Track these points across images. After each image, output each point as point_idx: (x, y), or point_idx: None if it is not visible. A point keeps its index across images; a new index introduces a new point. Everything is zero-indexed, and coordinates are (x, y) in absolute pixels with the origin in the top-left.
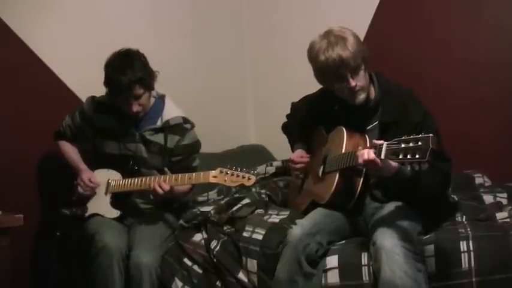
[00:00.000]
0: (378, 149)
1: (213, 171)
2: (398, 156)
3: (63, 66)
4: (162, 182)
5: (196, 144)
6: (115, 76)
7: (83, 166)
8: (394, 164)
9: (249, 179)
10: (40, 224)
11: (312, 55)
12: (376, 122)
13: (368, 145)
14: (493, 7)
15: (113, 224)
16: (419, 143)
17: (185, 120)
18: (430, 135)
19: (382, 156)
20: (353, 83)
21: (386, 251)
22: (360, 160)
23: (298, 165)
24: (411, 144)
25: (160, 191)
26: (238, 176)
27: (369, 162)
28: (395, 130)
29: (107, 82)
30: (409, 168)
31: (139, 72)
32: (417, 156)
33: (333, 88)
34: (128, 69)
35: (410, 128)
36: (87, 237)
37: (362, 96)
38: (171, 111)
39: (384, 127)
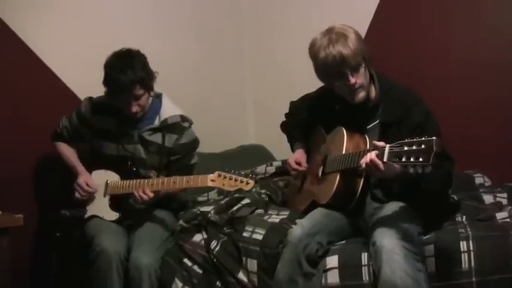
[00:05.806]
0: (380, 152)
1: (211, 175)
2: (401, 159)
3: (63, 66)
4: (146, 189)
5: (195, 142)
6: (115, 76)
7: (80, 168)
8: (397, 166)
9: (247, 183)
10: (40, 224)
11: (313, 52)
12: (377, 121)
13: (368, 146)
14: (493, 7)
15: (111, 227)
16: (423, 146)
17: (183, 119)
18: (434, 138)
19: (385, 159)
20: (353, 80)
21: (386, 251)
22: (363, 165)
23: (294, 173)
24: (414, 147)
25: (145, 198)
26: (236, 180)
27: (371, 165)
28: (397, 130)
29: (107, 82)
30: (411, 170)
31: (140, 72)
32: (421, 159)
33: (333, 86)
34: (128, 69)
35: (412, 128)
36: (86, 240)
37: (362, 95)
38: (169, 110)
39: (385, 127)
